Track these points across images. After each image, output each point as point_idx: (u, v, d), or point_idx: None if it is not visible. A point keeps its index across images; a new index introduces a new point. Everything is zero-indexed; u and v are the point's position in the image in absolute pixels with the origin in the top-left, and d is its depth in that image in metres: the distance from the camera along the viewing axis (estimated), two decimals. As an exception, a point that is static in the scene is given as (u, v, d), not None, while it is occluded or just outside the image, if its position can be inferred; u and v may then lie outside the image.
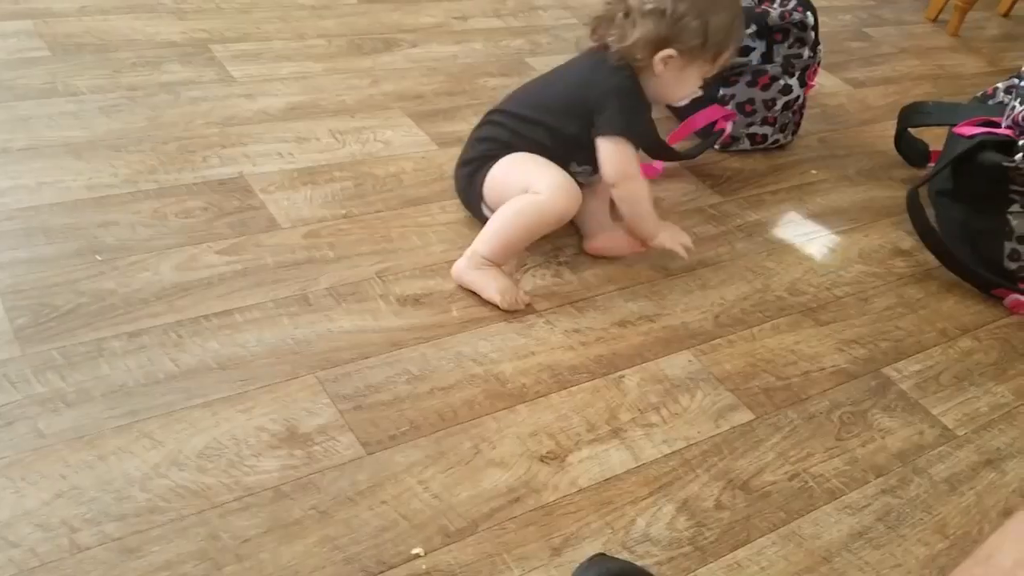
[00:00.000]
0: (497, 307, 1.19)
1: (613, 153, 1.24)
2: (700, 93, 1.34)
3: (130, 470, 0.90)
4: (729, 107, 1.64)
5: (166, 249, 1.18)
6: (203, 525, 0.86)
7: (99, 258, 1.14)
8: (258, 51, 1.67)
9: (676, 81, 1.27)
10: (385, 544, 0.88)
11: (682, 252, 1.31)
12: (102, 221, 1.20)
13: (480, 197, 1.29)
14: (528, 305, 1.22)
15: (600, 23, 1.27)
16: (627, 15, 1.23)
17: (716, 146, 1.67)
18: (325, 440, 0.97)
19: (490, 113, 1.33)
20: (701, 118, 1.62)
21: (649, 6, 1.21)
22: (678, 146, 1.59)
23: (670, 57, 1.23)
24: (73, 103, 1.42)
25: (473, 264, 1.22)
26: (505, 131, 1.28)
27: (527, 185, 1.22)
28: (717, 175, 1.63)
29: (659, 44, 1.22)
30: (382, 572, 0.85)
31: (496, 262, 1.22)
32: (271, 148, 1.42)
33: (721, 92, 1.63)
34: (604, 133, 1.24)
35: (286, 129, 1.48)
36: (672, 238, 1.31)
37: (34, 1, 1.65)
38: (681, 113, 1.69)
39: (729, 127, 1.63)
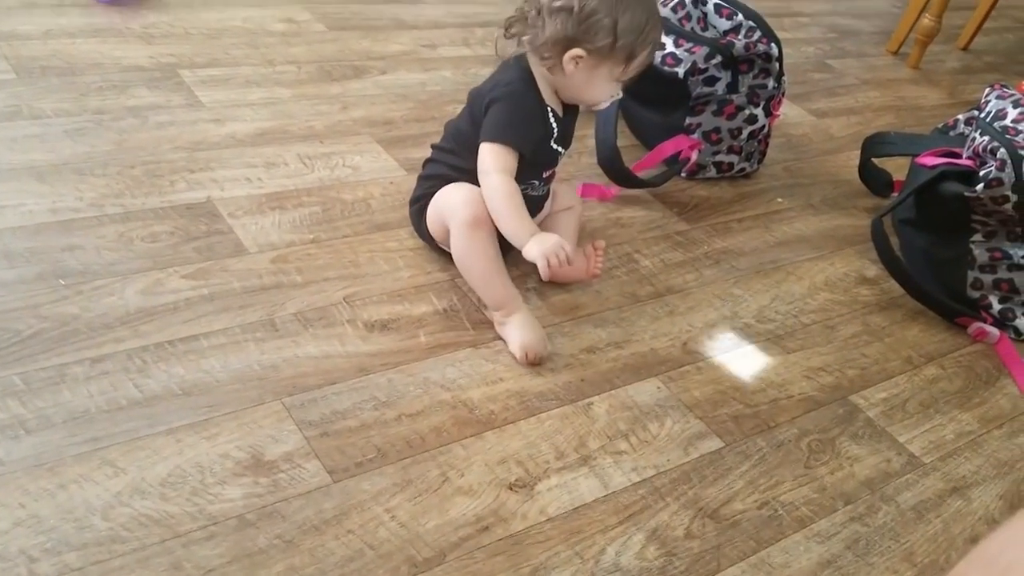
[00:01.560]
0: (470, 336, 1.19)
1: (482, 154, 1.19)
2: (618, 95, 1.27)
3: (91, 498, 0.87)
4: (695, 136, 1.66)
5: (131, 274, 1.16)
6: (166, 555, 0.84)
7: (62, 282, 1.12)
8: (227, 76, 1.66)
9: (587, 82, 1.22)
10: (352, 575, 0.86)
11: (542, 269, 1.15)
12: (66, 245, 1.18)
13: (431, 240, 1.31)
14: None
15: (513, 23, 1.23)
16: (538, 13, 1.18)
17: (683, 174, 1.69)
18: (291, 467, 0.96)
19: (432, 149, 1.34)
20: (669, 147, 1.64)
21: (558, 3, 1.16)
22: (644, 174, 1.60)
23: (579, 57, 1.18)
24: (38, 126, 1.40)
25: (494, 320, 1.21)
26: (442, 166, 1.29)
27: (444, 221, 1.23)
28: (684, 202, 1.64)
29: (567, 43, 1.17)
30: (348, 603, 0.84)
31: (498, 307, 1.20)
32: (239, 173, 1.41)
33: (687, 121, 1.65)
34: (483, 139, 1.20)
35: (255, 154, 1.47)
36: (540, 250, 1.14)
37: (-1, 23, 1.63)
38: (649, 142, 1.71)
39: (695, 155, 1.65)
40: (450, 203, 1.22)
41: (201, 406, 1.00)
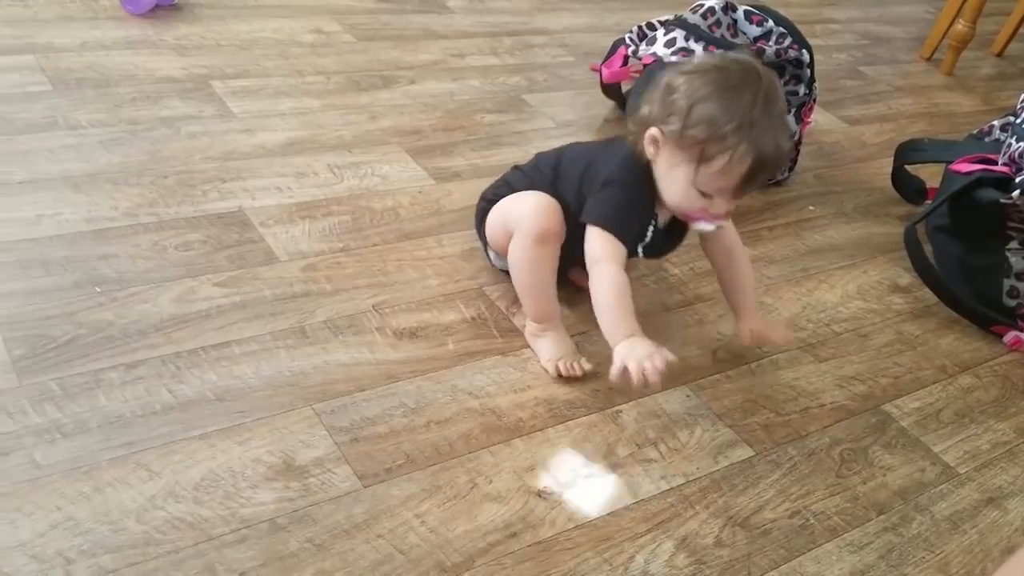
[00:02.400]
0: (498, 344, 1.19)
1: (592, 239, 1.12)
2: (713, 224, 1.12)
3: (126, 502, 0.89)
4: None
5: (165, 281, 1.18)
6: (199, 557, 0.85)
7: (98, 290, 1.14)
8: (257, 87, 1.68)
9: (665, 177, 1.11)
10: (381, 579, 0.87)
11: (614, 373, 1.05)
12: (101, 253, 1.20)
13: (485, 241, 1.30)
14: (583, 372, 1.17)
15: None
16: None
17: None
18: (321, 472, 0.96)
19: (515, 169, 1.31)
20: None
21: (664, 79, 1.09)
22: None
23: (655, 140, 1.09)
24: (73, 136, 1.43)
25: (527, 332, 1.21)
26: (524, 179, 1.25)
27: (507, 225, 1.20)
28: (714, 211, 1.63)
29: (649, 120, 1.09)
30: (378, 608, 0.84)
31: (538, 321, 1.19)
32: (270, 182, 1.43)
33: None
34: (594, 221, 1.13)
35: (285, 164, 1.48)
36: (627, 355, 1.03)
37: (36, 36, 1.67)
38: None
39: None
40: (520, 211, 1.18)
41: (234, 411, 1.01)
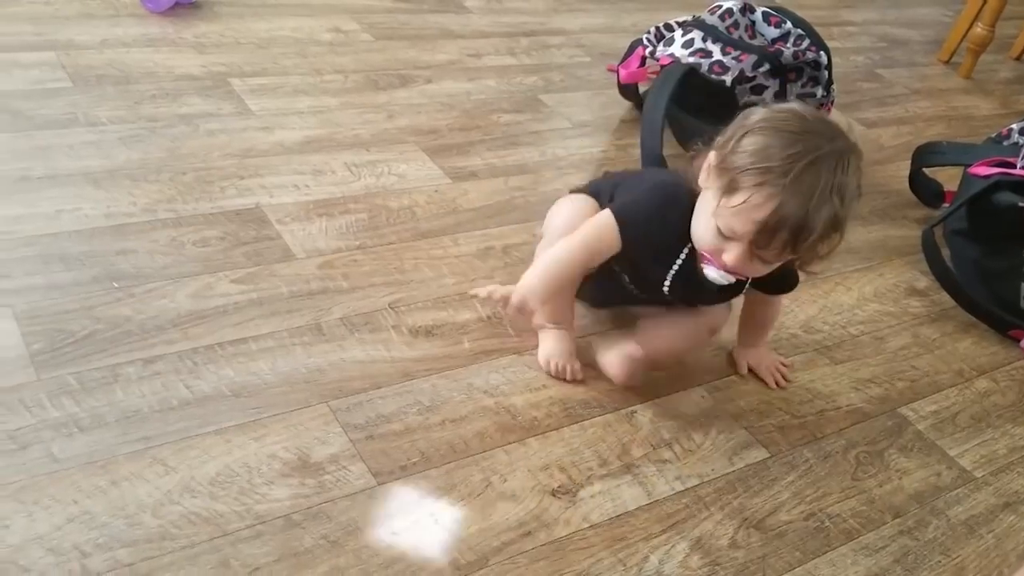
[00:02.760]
0: (514, 343, 1.19)
1: (598, 218, 1.09)
2: (717, 276, 1.02)
3: (142, 496, 0.89)
4: (743, 145, 1.64)
5: (182, 277, 1.18)
6: (214, 552, 0.85)
7: (116, 285, 1.15)
8: (276, 85, 1.69)
9: (699, 202, 1.04)
10: (395, 576, 0.87)
11: (554, 373, 1.14)
12: (120, 249, 1.21)
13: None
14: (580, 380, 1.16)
15: None
16: None
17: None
18: (336, 469, 0.97)
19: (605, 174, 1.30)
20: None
21: (750, 110, 1.03)
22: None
23: (709, 162, 1.01)
24: (93, 133, 1.44)
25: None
26: (608, 186, 1.21)
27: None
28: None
29: (715, 145, 1.03)
30: (392, 604, 0.84)
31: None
32: (287, 180, 1.43)
33: (735, 130, 1.63)
34: (611, 204, 1.11)
35: (302, 162, 1.49)
36: (545, 350, 1.13)
37: (57, 33, 1.68)
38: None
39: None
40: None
41: (250, 407, 1.02)
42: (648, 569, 0.94)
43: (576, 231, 1.10)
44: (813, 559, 0.99)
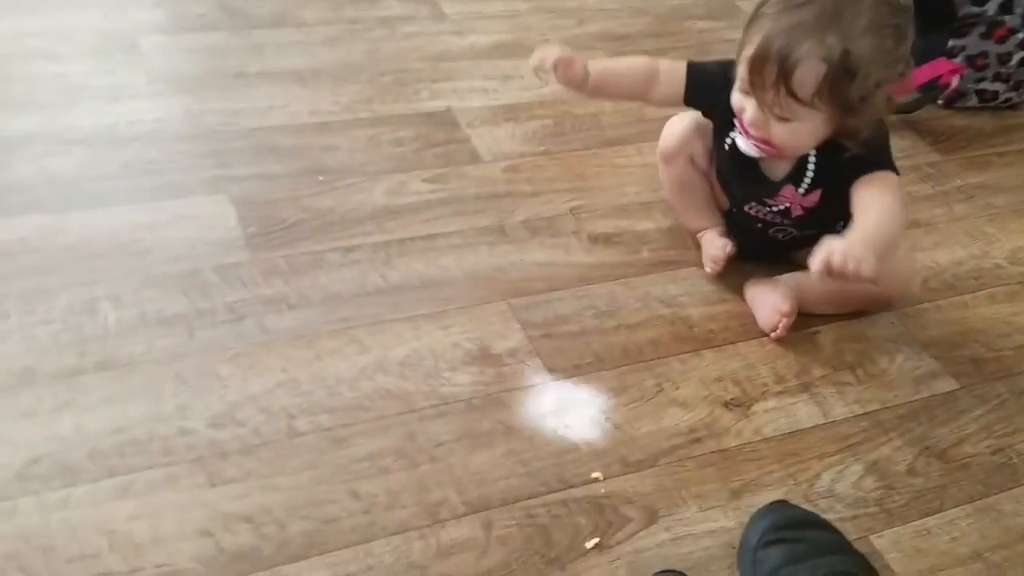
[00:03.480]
0: (693, 255, 1.19)
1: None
2: (746, 146, 1.02)
3: (341, 370, 0.97)
4: (958, 60, 1.52)
5: (378, 174, 1.25)
6: (402, 426, 0.92)
7: (320, 178, 1.23)
8: (470, -11, 1.71)
9: None
10: (566, 464, 0.91)
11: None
12: (324, 144, 1.29)
13: None
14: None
15: None
16: None
17: (939, 101, 1.56)
18: (514, 362, 1.01)
19: None
20: (926, 71, 1.51)
21: None
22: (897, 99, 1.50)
23: None
24: (300, 34, 1.52)
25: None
26: None
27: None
28: (938, 132, 1.52)
29: None
30: (563, 489, 0.88)
31: (690, 232, 1.20)
32: (477, 84, 1.46)
33: (951, 44, 1.51)
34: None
35: (492, 66, 1.51)
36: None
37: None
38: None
39: (955, 81, 1.52)
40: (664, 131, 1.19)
41: (437, 299, 1.07)
42: (819, 486, 0.93)
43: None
44: (997, 494, 0.95)
